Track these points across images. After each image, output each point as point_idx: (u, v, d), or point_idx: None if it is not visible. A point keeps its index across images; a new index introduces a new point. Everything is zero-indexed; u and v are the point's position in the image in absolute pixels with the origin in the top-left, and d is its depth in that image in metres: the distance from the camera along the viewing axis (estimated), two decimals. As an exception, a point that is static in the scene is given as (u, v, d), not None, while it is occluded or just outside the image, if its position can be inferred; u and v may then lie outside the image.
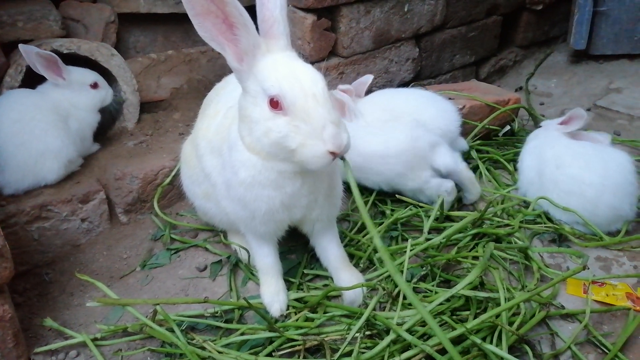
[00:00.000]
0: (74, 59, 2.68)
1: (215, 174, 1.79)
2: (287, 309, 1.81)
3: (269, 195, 1.57)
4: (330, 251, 1.91)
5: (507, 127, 3.04)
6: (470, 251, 2.07)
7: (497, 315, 1.63)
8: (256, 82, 1.43)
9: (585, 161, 2.22)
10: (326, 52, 3.00)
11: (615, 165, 2.19)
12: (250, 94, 1.46)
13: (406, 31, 3.28)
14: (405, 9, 3.20)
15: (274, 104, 1.39)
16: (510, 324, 1.66)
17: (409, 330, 1.59)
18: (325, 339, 1.65)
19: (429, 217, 2.20)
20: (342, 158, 1.43)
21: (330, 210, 1.81)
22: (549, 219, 2.30)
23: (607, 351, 1.65)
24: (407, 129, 2.28)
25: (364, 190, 2.44)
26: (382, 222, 2.24)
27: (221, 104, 1.84)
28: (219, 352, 1.62)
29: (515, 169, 2.68)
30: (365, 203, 2.39)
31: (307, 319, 1.77)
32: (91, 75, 2.52)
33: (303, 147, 1.38)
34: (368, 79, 2.70)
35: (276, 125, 1.40)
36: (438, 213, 2.22)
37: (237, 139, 1.55)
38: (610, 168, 2.18)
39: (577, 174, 2.19)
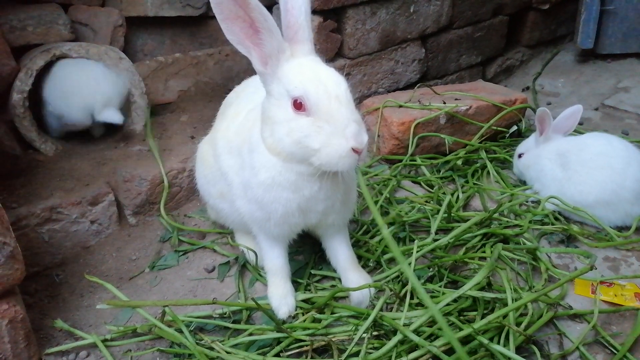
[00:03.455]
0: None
1: (232, 174, 1.81)
2: (295, 310, 1.82)
3: (287, 198, 1.59)
4: (340, 252, 1.92)
5: (514, 127, 3.04)
6: (477, 251, 2.07)
7: (505, 316, 1.63)
8: (280, 85, 1.46)
9: (606, 140, 2.29)
10: (332, 53, 3.01)
11: (631, 145, 2.28)
12: (274, 96, 1.49)
13: (412, 32, 3.28)
14: (411, 10, 3.21)
15: (298, 105, 1.42)
16: (518, 324, 1.66)
17: (416, 331, 1.60)
18: (333, 339, 1.65)
19: (436, 217, 2.21)
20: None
21: (345, 214, 1.83)
22: (557, 219, 2.30)
23: (615, 352, 1.64)
24: None
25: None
26: (390, 223, 2.24)
27: (242, 106, 1.87)
28: (227, 353, 1.63)
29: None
30: (375, 203, 2.39)
31: (314, 320, 1.78)
32: None
33: (327, 147, 1.40)
34: None
35: (299, 126, 1.42)
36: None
37: (258, 140, 1.57)
38: (629, 146, 2.26)
39: (603, 150, 2.24)
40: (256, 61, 1.47)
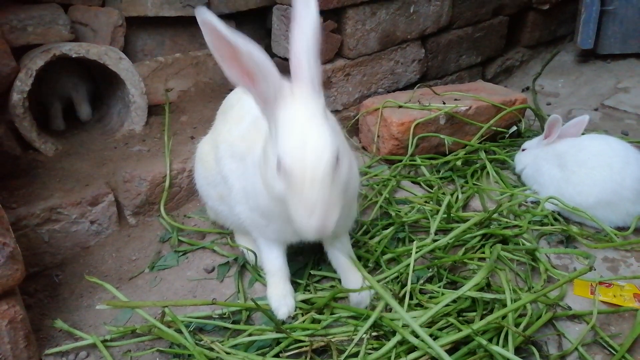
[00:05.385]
0: (82, 63, 2.72)
1: (233, 178, 1.80)
2: (295, 311, 1.82)
3: (287, 214, 1.58)
4: (340, 253, 1.92)
5: (514, 128, 3.04)
6: (476, 252, 2.07)
7: (504, 317, 1.63)
8: (276, 130, 1.41)
9: (604, 140, 2.30)
10: (332, 53, 3.01)
11: (630, 145, 2.28)
12: (273, 137, 1.43)
13: (412, 32, 3.28)
14: (411, 10, 3.21)
15: (279, 164, 1.38)
16: (517, 325, 1.66)
17: (415, 332, 1.60)
18: (332, 340, 1.65)
19: (435, 218, 2.21)
20: None
21: (346, 223, 1.83)
22: (556, 220, 2.30)
23: (614, 352, 1.64)
24: None
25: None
26: (389, 223, 2.25)
27: (245, 110, 1.83)
28: (227, 353, 1.64)
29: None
30: (374, 204, 2.41)
31: (314, 320, 1.78)
32: None
33: (295, 213, 1.37)
34: None
35: (279, 185, 1.40)
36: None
37: (259, 163, 1.55)
38: (627, 146, 2.26)
39: (601, 150, 2.25)
40: (257, 99, 1.42)
